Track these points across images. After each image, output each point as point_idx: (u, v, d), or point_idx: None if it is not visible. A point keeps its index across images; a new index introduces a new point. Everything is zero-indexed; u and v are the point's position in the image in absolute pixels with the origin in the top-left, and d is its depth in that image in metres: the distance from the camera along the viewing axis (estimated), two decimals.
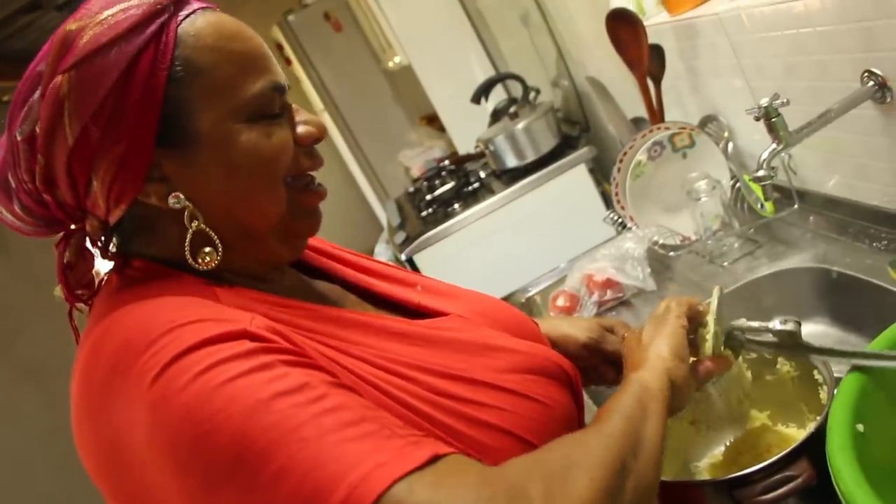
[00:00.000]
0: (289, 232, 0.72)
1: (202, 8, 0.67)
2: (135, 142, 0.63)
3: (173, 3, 0.65)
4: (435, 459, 0.53)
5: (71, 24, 0.63)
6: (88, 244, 0.71)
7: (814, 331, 1.35)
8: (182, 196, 0.66)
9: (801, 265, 1.36)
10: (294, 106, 0.72)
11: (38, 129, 0.62)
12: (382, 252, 2.93)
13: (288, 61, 5.50)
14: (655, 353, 0.76)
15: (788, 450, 0.77)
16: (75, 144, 0.62)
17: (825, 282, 1.31)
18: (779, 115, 1.10)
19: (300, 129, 0.71)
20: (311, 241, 0.84)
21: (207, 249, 0.67)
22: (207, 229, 0.67)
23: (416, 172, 3.85)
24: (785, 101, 1.10)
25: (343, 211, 6.51)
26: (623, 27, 1.63)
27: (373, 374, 0.64)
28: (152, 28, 0.63)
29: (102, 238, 0.71)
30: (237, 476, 0.52)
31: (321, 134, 0.72)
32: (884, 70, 1.10)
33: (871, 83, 1.12)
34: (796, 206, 1.48)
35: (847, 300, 1.27)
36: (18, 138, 0.63)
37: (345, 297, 0.81)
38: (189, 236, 0.66)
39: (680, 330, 0.79)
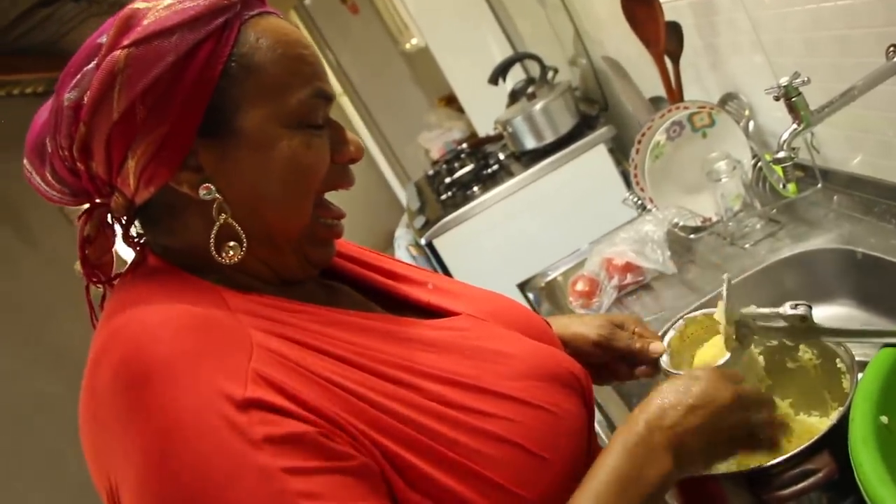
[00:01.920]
0: (303, 254, 0.73)
1: (267, 12, 0.69)
2: (177, 127, 0.63)
3: (241, 2, 0.66)
4: None
5: (139, 3, 0.65)
6: (111, 222, 0.72)
7: (838, 313, 1.32)
8: (213, 188, 0.66)
9: (824, 246, 1.33)
10: (339, 123, 0.73)
11: (86, 98, 0.63)
12: (402, 236, 2.92)
13: None
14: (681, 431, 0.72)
15: (809, 442, 0.75)
16: (119, 119, 0.62)
17: (850, 263, 1.28)
18: (799, 94, 1.07)
19: (341, 148, 0.72)
20: None
21: (232, 244, 0.67)
22: (234, 224, 0.67)
23: (435, 154, 3.83)
24: (806, 79, 1.07)
25: (364, 194, 6.50)
26: (638, 5, 1.60)
27: (374, 388, 0.63)
28: (217, 21, 0.64)
29: (125, 218, 0.71)
30: None
31: (359, 155, 0.73)
32: None
33: None
34: (820, 185, 1.45)
35: (872, 282, 1.24)
36: (65, 104, 0.64)
37: (355, 300, 0.80)
38: (216, 229, 0.66)
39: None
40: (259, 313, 0.65)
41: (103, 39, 0.64)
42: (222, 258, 0.67)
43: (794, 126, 1.09)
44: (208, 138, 0.65)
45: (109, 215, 0.71)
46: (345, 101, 5.48)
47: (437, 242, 2.50)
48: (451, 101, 4.19)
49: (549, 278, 1.89)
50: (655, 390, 0.74)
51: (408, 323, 0.74)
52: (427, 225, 2.55)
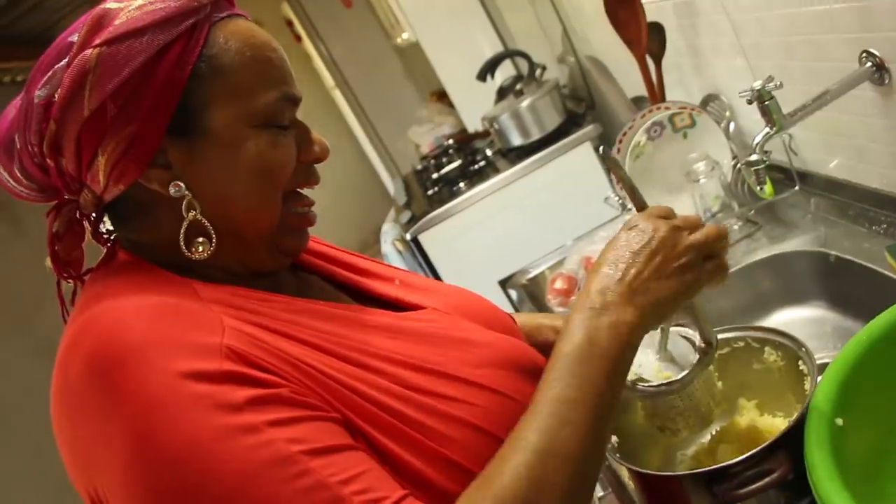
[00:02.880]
0: (275, 246, 0.74)
1: (236, 14, 0.71)
2: (147, 126, 0.64)
3: (210, 4, 0.68)
4: None
5: (111, 3, 0.66)
6: (80, 219, 0.72)
7: (811, 314, 1.34)
8: (183, 185, 0.67)
9: (799, 249, 1.34)
10: (305, 124, 0.75)
11: (57, 96, 0.64)
12: (389, 231, 2.92)
13: (298, 38, 5.48)
14: (585, 294, 0.71)
15: (766, 444, 0.77)
16: (90, 117, 0.63)
17: (823, 266, 1.29)
18: (772, 98, 1.08)
19: (306, 148, 0.74)
20: None
21: (201, 240, 0.68)
22: (203, 220, 0.68)
23: (425, 149, 3.83)
24: (778, 83, 1.08)
25: (354, 187, 6.52)
26: (621, 6, 1.60)
27: (341, 370, 0.64)
28: (187, 23, 0.65)
29: (94, 215, 0.72)
30: None
31: (324, 155, 0.75)
32: (882, 51, 1.08)
33: (869, 64, 1.10)
34: (797, 187, 1.47)
35: (845, 284, 1.26)
36: (35, 101, 0.65)
37: (326, 291, 0.81)
38: (185, 225, 0.67)
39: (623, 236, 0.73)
40: (230, 303, 0.66)
41: (74, 38, 0.65)
42: (192, 254, 0.68)
43: (767, 129, 1.10)
44: (177, 137, 0.66)
45: (78, 212, 0.72)
46: (337, 95, 5.48)
47: (422, 238, 2.51)
48: (443, 96, 4.19)
49: (531, 275, 1.90)
50: (600, 255, 0.74)
51: (375, 313, 0.75)
52: (413, 220, 2.56)
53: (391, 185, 5.14)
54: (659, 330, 0.85)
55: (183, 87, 0.65)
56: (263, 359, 0.60)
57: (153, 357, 0.58)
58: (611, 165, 0.80)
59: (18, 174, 0.70)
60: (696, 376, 0.82)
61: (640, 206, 0.79)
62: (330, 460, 0.57)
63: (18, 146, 0.68)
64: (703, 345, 0.83)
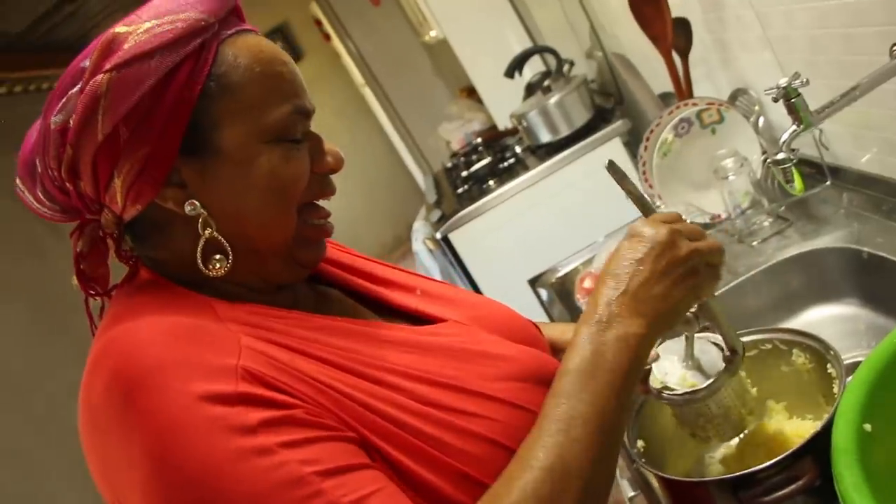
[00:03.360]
0: (292, 258, 0.74)
1: (244, 30, 0.71)
2: (160, 147, 0.65)
3: (218, 22, 0.68)
4: None
5: (119, 28, 0.66)
6: (103, 237, 0.74)
7: (844, 312, 1.32)
8: (198, 204, 0.68)
9: (830, 245, 1.32)
10: (318, 134, 0.75)
11: (71, 121, 0.65)
12: (420, 229, 2.93)
13: (327, 37, 5.52)
14: (593, 305, 0.71)
15: (793, 449, 0.76)
16: (104, 141, 0.64)
17: (856, 262, 1.27)
18: (799, 95, 1.06)
19: (320, 159, 0.74)
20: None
21: (218, 257, 0.69)
22: (220, 237, 0.69)
23: (455, 145, 3.83)
24: (804, 80, 1.06)
25: (387, 183, 6.55)
26: (646, 2, 1.59)
27: (357, 387, 0.65)
28: (195, 43, 0.66)
29: (115, 234, 0.73)
30: None
31: (338, 166, 0.75)
32: None
33: None
34: (829, 182, 1.44)
35: (878, 281, 1.23)
36: (52, 127, 0.66)
37: (344, 305, 0.82)
38: (201, 243, 0.68)
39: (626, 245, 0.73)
40: (248, 321, 0.67)
41: (86, 63, 0.66)
42: (209, 271, 0.69)
43: (794, 127, 1.08)
44: (190, 156, 0.67)
45: (101, 231, 0.73)
46: (367, 92, 5.50)
47: (452, 237, 2.52)
48: (472, 93, 4.18)
49: (560, 274, 1.89)
50: (605, 266, 0.74)
51: (393, 328, 0.76)
52: (443, 219, 2.57)
53: (422, 181, 5.16)
54: (684, 337, 0.85)
55: (193, 106, 0.66)
56: (279, 379, 0.61)
57: (171, 379, 0.59)
58: (617, 178, 0.80)
59: (41, 196, 0.72)
60: (721, 385, 0.82)
61: (649, 214, 0.79)
62: (342, 480, 0.58)
63: (40, 170, 0.70)
64: (728, 353, 0.82)
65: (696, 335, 0.84)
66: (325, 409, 0.62)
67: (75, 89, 0.66)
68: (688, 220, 1.54)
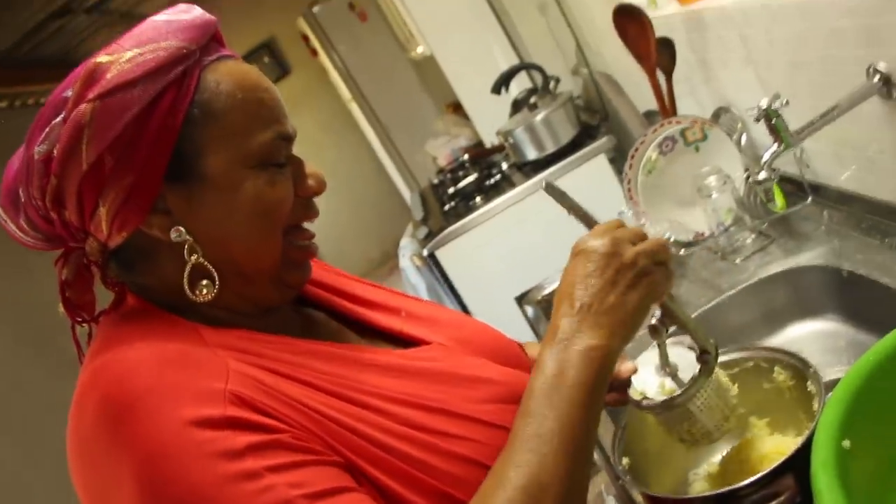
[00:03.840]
0: (279, 279, 0.75)
1: (226, 56, 0.71)
2: (145, 174, 0.66)
3: (199, 49, 0.68)
4: None
5: (101, 57, 0.66)
6: (88, 265, 0.74)
7: (825, 328, 1.33)
8: (183, 230, 0.68)
9: (811, 262, 1.34)
10: (300, 158, 0.76)
11: (55, 151, 0.65)
12: (407, 246, 2.94)
13: (314, 52, 5.53)
14: (562, 317, 0.71)
15: (773, 467, 0.77)
16: (88, 170, 0.65)
17: (836, 280, 1.29)
18: (779, 116, 1.09)
19: (302, 183, 0.75)
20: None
21: (205, 282, 0.70)
22: (206, 263, 0.69)
23: (442, 161, 3.85)
24: (784, 101, 1.09)
25: (374, 199, 6.55)
26: (630, 21, 1.61)
27: (342, 410, 0.66)
28: (177, 71, 0.66)
29: (100, 261, 0.73)
30: None
31: (320, 189, 0.76)
32: (889, 66, 1.08)
33: (877, 78, 1.10)
34: (810, 199, 1.46)
35: (859, 298, 1.25)
36: (36, 157, 0.66)
37: (330, 328, 0.82)
38: (188, 269, 0.69)
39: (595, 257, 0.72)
40: (235, 346, 0.68)
41: (69, 93, 0.66)
42: (196, 296, 0.69)
43: (775, 147, 1.10)
44: (175, 183, 0.68)
45: (85, 258, 0.73)
46: (353, 108, 5.51)
47: (439, 254, 2.53)
48: (458, 108, 4.21)
49: (547, 291, 1.90)
50: (558, 287, 0.74)
51: (378, 352, 0.77)
52: (430, 236, 2.58)
53: (409, 197, 5.18)
54: (657, 346, 0.86)
55: (177, 134, 0.66)
56: (266, 403, 0.62)
57: (160, 404, 0.59)
58: (556, 198, 0.82)
59: (24, 225, 0.72)
60: (699, 387, 0.83)
61: (593, 227, 0.80)
62: (329, 503, 0.59)
63: (23, 199, 0.70)
64: (701, 353, 0.83)
65: (669, 341, 0.86)
66: (312, 433, 0.63)
67: (58, 119, 0.66)
68: (672, 238, 1.57)
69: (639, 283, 0.72)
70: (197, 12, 0.71)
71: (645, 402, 0.84)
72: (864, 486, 0.73)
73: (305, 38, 5.55)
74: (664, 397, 0.83)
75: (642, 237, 0.75)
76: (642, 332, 0.78)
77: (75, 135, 0.64)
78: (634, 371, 0.89)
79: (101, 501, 0.63)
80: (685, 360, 0.86)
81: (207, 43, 0.70)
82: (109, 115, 0.64)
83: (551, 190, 0.81)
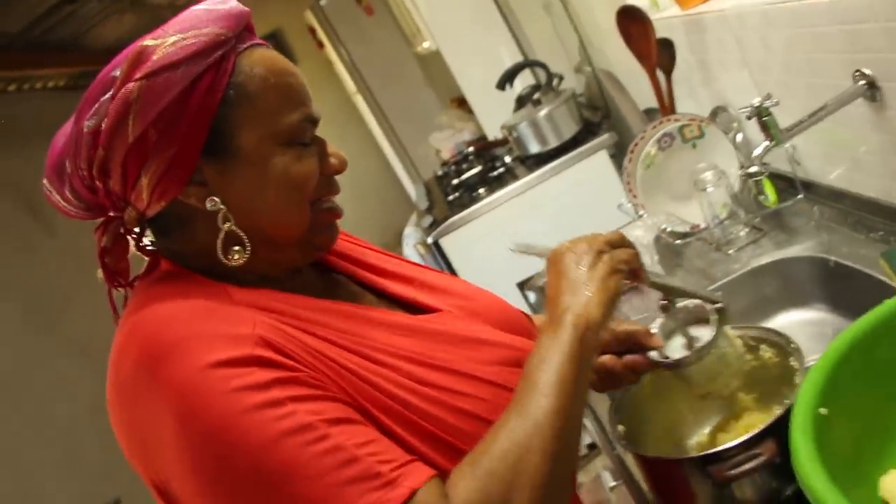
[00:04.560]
0: (308, 243, 0.82)
1: (258, 44, 0.78)
2: (184, 148, 0.72)
3: (235, 37, 0.75)
4: (412, 496, 0.65)
5: (148, 41, 0.73)
6: (124, 234, 0.80)
7: (813, 317, 1.41)
8: (218, 200, 0.75)
9: (800, 254, 1.42)
10: (323, 139, 0.83)
11: (103, 125, 0.71)
12: (411, 234, 3.02)
13: (320, 45, 5.59)
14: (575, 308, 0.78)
15: (756, 431, 0.85)
16: (134, 143, 0.71)
17: (823, 271, 1.36)
18: (770, 114, 1.16)
19: (326, 161, 0.82)
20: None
21: (237, 248, 0.76)
22: (238, 231, 0.76)
23: (446, 155, 3.92)
24: (775, 101, 1.16)
25: (377, 191, 6.62)
26: (632, 22, 1.69)
27: (358, 364, 0.73)
28: (215, 55, 0.73)
29: (137, 229, 0.80)
30: (257, 496, 0.65)
31: (342, 167, 0.83)
32: (873, 70, 1.16)
33: (862, 82, 1.17)
34: (801, 195, 1.54)
35: (844, 288, 1.33)
36: (85, 130, 0.72)
37: (350, 290, 0.90)
38: (221, 235, 0.76)
39: (612, 281, 0.81)
40: (259, 304, 0.75)
41: (117, 73, 0.72)
42: (229, 261, 0.76)
43: (766, 143, 1.18)
44: (211, 157, 0.74)
45: (123, 228, 0.79)
46: (358, 100, 5.57)
47: (443, 242, 2.60)
48: (463, 103, 4.27)
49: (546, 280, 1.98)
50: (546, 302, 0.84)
51: (391, 314, 0.84)
52: (434, 224, 2.65)
53: (412, 190, 5.24)
54: (668, 321, 0.97)
55: (214, 112, 0.73)
56: (289, 348, 0.70)
57: (192, 350, 0.67)
58: (524, 252, 0.97)
59: (69, 195, 0.78)
60: (721, 333, 0.93)
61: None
62: (346, 428, 0.67)
63: (69, 171, 0.76)
64: (712, 307, 0.94)
65: (678, 308, 0.97)
66: (329, 378, 0.70)
67: (107, 96, 0.72)
68: (669, 230, 1.65)
69: (599, 260, 0.82)
70: (233, 3, 0.78)
71: (677, 359, 0.93)
72: (839, 451, 0.80)
73: (312, 31, 5.61)
74: (697, 346, 0.93)
75: (598, 236, 0.86)
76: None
77: (123, 110, 0.70)
78: (661, 346, 0.97)
79: (142, 439, 0.70)
80: (696, 327, 0.97)
81: (242, 31, 0.77)
82: (154, 93, 0.70)
83: (518, 249, 0.96)
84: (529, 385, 0.74)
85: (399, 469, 0.66)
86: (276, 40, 6.33)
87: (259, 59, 0.76)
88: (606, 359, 0.98)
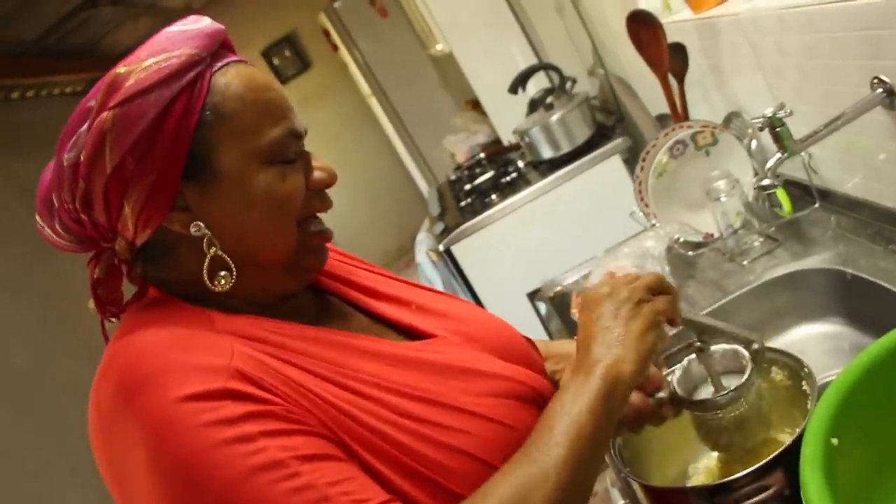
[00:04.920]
0: (296, 266, 0.80)
1: (235, 61, 0.76)
2: (163, 174, 0.71)
3: (210, 56, 0.73)
4: None
5: (120, 69, 0.71)
6: (117, 264, 0.79)
7: (829, 331, 1.37)
8: (202, 225, 0.73)
9: (817, 266, 1.37)
10: (311, 152, 0.80)
11: (82, 157, 0.70)
12: (423, 241, 2.99)
13: (335, 47, 5.58)
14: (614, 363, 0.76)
15: (764, 461, 0.81)
16: (112, 172, 0.70)
17: (840, 283, 1.32)
18: (783, 125, 1.12)
19: (314, 174, 0.79)
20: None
21: (223, 273, 0.74)
22: (224, 255, 0.74)
23: (460, 157, 3.89)
24: (789, 111, 1.12)
25: (393, 193, 6.60)
26: (643, 27, 1.65)
27: (339, 396, 0.71)
28: (189, 76, 0.71)
29: (129, 259, 0.78)
30: None
31: (331, 180, 0.80)
32: (892, 78, 1.11)
33: (880, 90, 1.13)
34: (817, 204, 1.49)
35: (862, 302, 1.28)
36: (65, 164, 0.72)
37: (344, 314, 0.87)
38: (207, 261, 0.74)
39: (646, 330, 0.78)
40: (243, 332, 0.73)
41: (93, 103, 0.71)
42: (215, 286, 0.74)
43: (779, 155, 1.13)
44: (192, 180, 0.73)
45: (116, 258, 0.78)
46: (373, 103, 5.56)
47: (454, 249, 2.57)
48: (477, 105, 4.24)
49: (559, 288, 1.94)
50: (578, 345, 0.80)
51: (383, 342, 0.81)
52: (446, 231, 2.62)
53: (427, 192, 5.21)
54: (702, 365, 0.91)
55: (192, 134, 0.71)
56: (267, 381, 0.67)
57: (166, 382, 0.65)
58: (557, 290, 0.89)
59: (59, 229, 0.77)
60: (755, 377, 0.89)
61: None
62: (319, 465, 0.64)
63: (56, 205, 0.75)
64: (749, 350, 0.89)
65: (713, 352, 0.91)
66: (308, 411, 0.68)
67: (83, 128, 0.71)
68: (681, 240, 1.60)
69: (638, 312, 0.79)
70: (206, 22, 0.76)
71: (712, 398, 0.88)
72: (850, 483, 0.77)
73: (326, 33, 5.60)
74: (727, 390, 0.88)
75: (635, 278, 0.82)
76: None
77: (99, 140, 0.69)
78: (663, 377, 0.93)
79: (118, 468, 0.68)
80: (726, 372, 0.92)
81: (217, 49, 0.75)
82: (129, 120, 0.69)
83: (557, 286, 0.90)
84: (544, 430, 0.71)
85: None
86: (290, 43, 6.33)
87: (235, 76, 0.74)
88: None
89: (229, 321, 0.74)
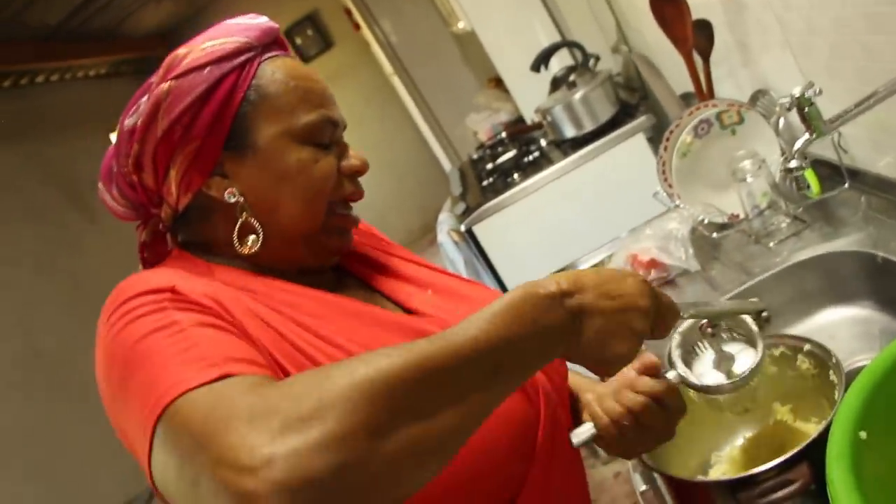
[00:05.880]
0: (317, 243, 0.84)
1: (284, 55, 0.84)
2: (206, 142, 0.78)
3: (262, 47, 0.81)
4: (224, 377, 0.59)
5: (181, 50, 0.80)
6: (161, 230, 0.87)
7: (859, 315, 1.33)
8: (237, 191, 0.80)
9: (846, 248, 1.34)
10: (346, 143, 0.86)
11: (139, 123, 0.78)
12: (445, 220, 2.97)
13: (357, 26, 5.55)
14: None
15: (789, 455, 0.79)
16: (162, 137, 0.77)
17: (870, 266, 1.28)
18: (812, 104, 1.08)
19: (346, 161, 0.85)
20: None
21: (252, 237, 0.81)
22: (253, 221, 0.81)
23: (483, 136, 3.86)
24: (818, 90, 1.08)
25: (416, 171, 6.59)
26: (667, 4, 1.60)
27: (305, 340, 0.73)
28: (240, 59, 0.79)
29: (170, 226, 0.86)
30: (124, 387, 0.65)
31: (363, 168, 0.86)
32: None
33: None
34: (847, 185, 1.45)
35: (893, 286, 1.25)
36: (125, 129, 0.80)
37: (357, 291, 0.88)
38: (238, 224, 0.81)
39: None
40: (237, 282, 0.78)
41: (154, 78, 0.79)
42: (243, 248, 0.80)
43: (807, 136, 1.10)
44: (232, 151, 0.80)
45: (160, 224, 0.86)
46: (396, 81, 5.53)
47: (476, 229, 2.55)
48: (500, 83, 4.19)
49: (581, 268, 1.92)
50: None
51: (375, 308, 0.83)
52: (467, 211, 2.60)
53: (450, 171, 5.18)
54: (706, 344, 0.87)
55: (236, 109, 0.78)
56: (235, 313, 0.71)
57: (136, 288, 0.70)
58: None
59: (116, 194, 0.85)
60: (765, 349, 0.82)
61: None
62: (209, 331, 0.66)
63: (115, 170, 0.83)
64: (755, 319, 0.84)
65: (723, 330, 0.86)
66: (262, 344, 0.70)
67: (144, 98, 0.79)
68: (706, 221, 1.57)
69: (638, 317, 0.68)
70: (263, 19, 0.84)
71: (728, 383, 0.81)
72: (878, 476, 0.74)
73: (348, 12, 5.56)
74: (746, 368, 0.81)
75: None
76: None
77: (154, 108, 0.77)
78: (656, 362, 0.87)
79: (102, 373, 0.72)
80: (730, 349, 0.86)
81: (270, 43, 0.83)
82: (181, 91, 0.77)
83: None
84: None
85: (234, 362, 0.61)
86: (312, 22, 6.30)
87: (281, 65, 0.81)
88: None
89: (227, 272, 0.80)
